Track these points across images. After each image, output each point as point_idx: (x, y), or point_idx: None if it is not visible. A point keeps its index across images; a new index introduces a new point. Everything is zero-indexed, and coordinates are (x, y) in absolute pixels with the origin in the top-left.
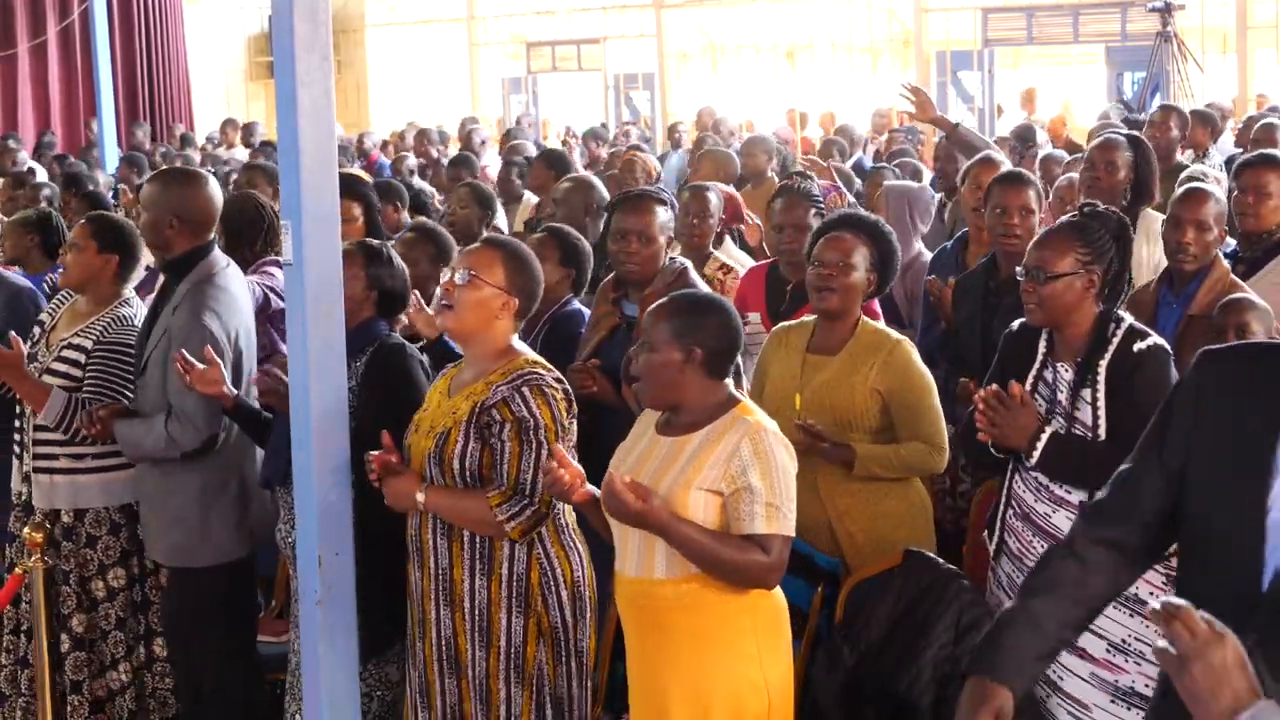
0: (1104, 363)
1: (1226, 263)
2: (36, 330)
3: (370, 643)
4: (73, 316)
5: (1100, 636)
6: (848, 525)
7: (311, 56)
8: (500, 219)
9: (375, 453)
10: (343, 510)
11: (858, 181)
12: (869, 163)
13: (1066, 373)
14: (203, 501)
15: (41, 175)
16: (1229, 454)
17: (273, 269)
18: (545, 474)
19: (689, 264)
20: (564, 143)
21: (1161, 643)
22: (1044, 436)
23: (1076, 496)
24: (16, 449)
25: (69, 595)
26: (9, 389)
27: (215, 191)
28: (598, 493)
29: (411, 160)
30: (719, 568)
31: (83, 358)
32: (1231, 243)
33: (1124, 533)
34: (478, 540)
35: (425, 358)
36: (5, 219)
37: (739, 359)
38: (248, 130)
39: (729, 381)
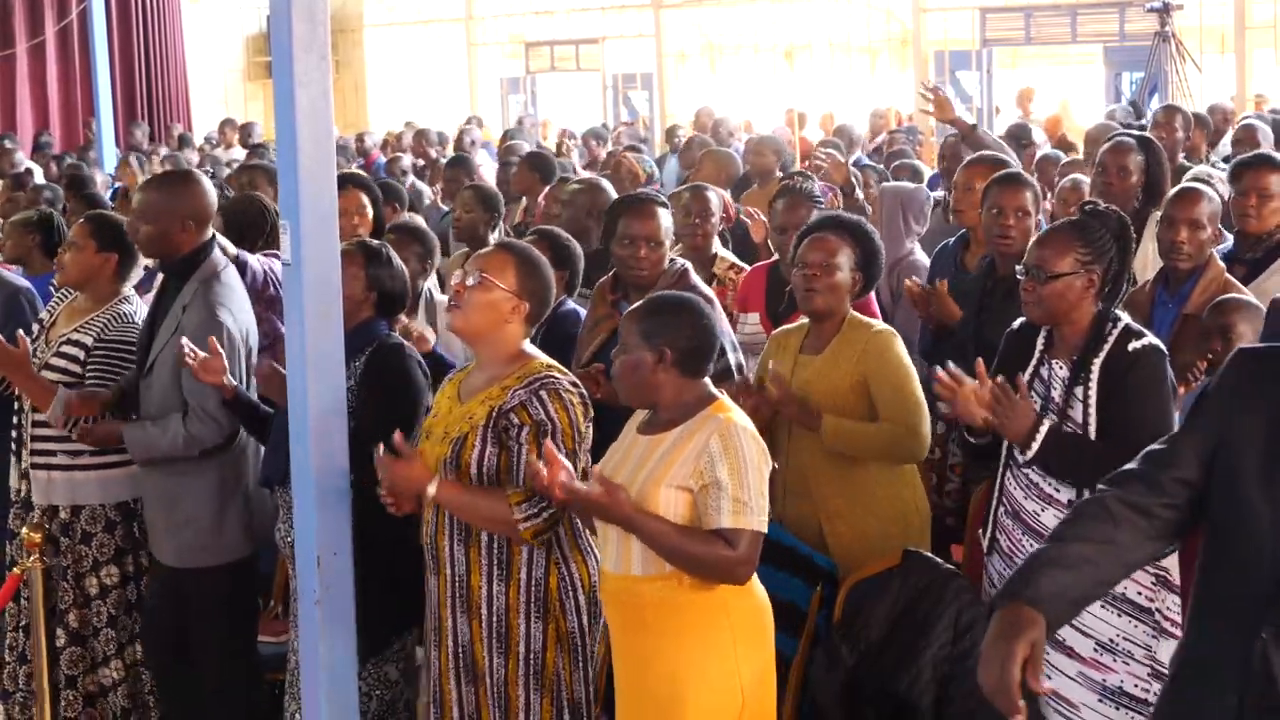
0: (1098, 361)
1: (1221, 262)
2: (36, 327)
3: (369, 642)
4: (71, 314)
5: (1088, 635)
6: (837, 526)
7: (310, 56)
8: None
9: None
10: (341, 510)
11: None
12: (867, 163)
13: (1062, 370)
14: (219, 499)
15: (39, 175)
16: (1258, 449)
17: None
18: (528, 468)
19: (689, 265)
20: (559, 144)
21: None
22: (1042, 430)
23: (1065, 495)
24: (15, 445)
25: (65, 591)
26: (8, 386)
27: (211, 186)
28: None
29: (406, 160)
30: (685, 561)
31: (81, 354)
32: (1230, 239)
33: (1155, 504)
34: (496, 546)
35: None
36: (5, 220)
37: (741, 358)
38: (245, 130)
39: (707, 381)
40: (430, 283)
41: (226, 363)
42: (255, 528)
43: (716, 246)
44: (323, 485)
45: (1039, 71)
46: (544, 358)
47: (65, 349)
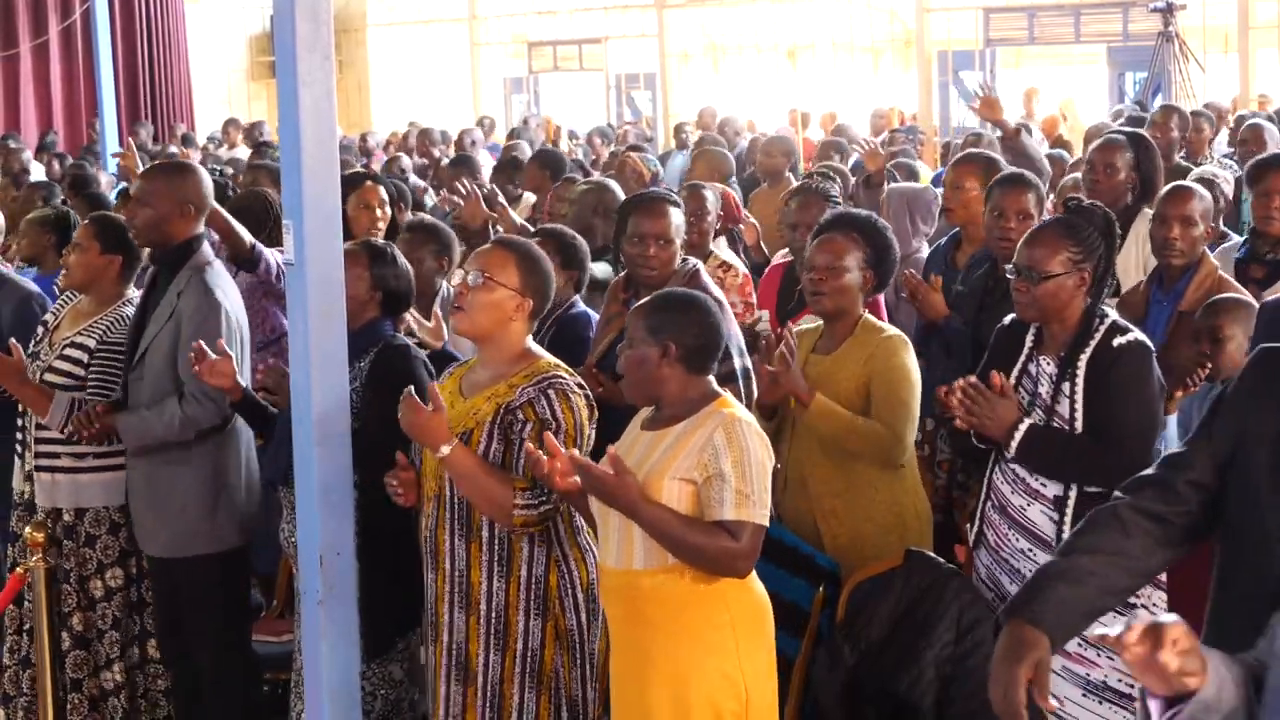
0: (1084, 357)
1: (1214, 260)
2: (40, 330)
3: (373, 642)
4: (75, 316)
5: None
6: (833, 526)
7: (313, 56)
8: None
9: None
10: (344, 510)
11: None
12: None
13: (1049, 366)
14: (213, 486)
15: (38, 173)
16: (1273, 448)
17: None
18: (527, 456)
19: (701, 265)
20: (553, 143)
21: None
22: (1022, 428)
23: (1051, 490)
24: (19, 448)
25: (69, 594)
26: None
27: (209, 178)
28: None
29: (405, 160)
30: (687, 551)
31: (85, 357)
32: (1235, 238)
33: (1169, 510)
34: (496, 541)
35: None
36: (6, 218)
37: (747, 363)
38: (253, 130)
39: (711, 379)
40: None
41: (235, 364)
42: (246, 518)
43: (721, 246)
44: (325, 485)
45: (1042, 71)
46: (549, 356)
47: (69, 352)
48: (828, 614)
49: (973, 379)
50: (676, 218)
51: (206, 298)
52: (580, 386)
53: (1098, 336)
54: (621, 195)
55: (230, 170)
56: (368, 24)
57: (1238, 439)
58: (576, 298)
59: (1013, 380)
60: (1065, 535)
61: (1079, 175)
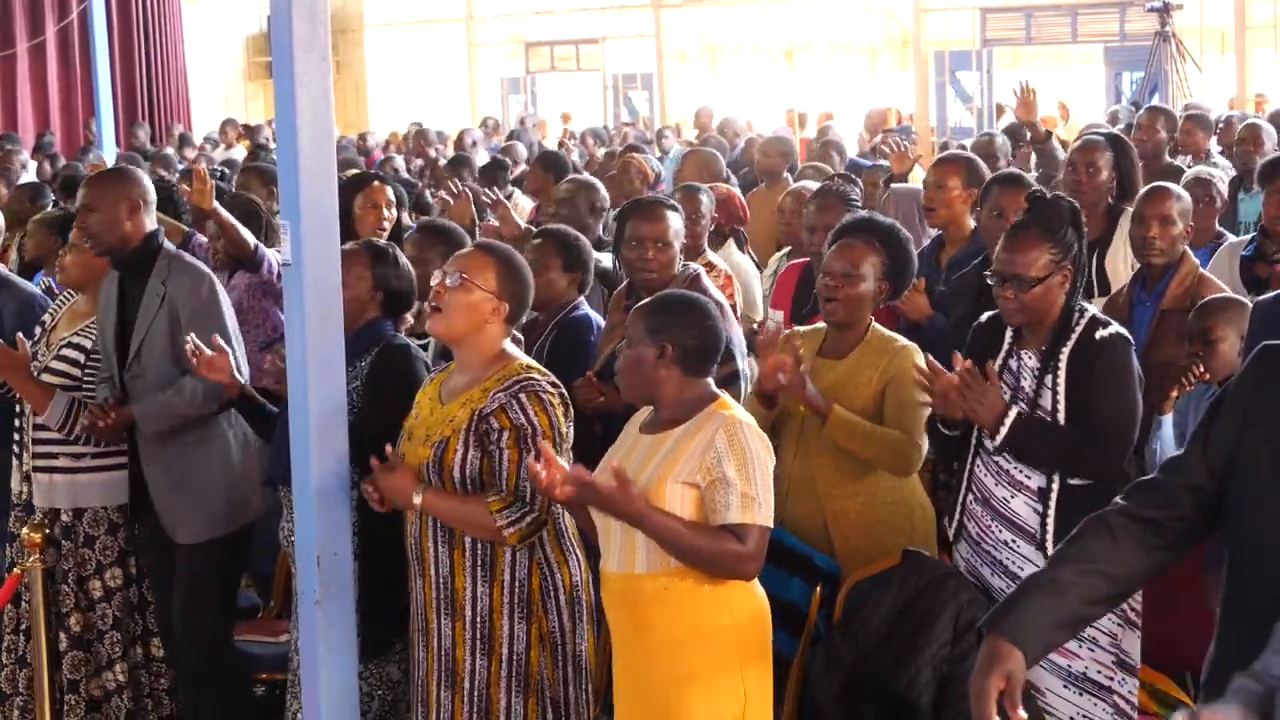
0: (1066, 350)
1: (1196, 259)
2: (38, 330)
3: (371, 643)
4: (73, 317)
5: None
6: (844, 528)
7: (310, 56)
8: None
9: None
10: (341, 510)
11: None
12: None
13: (1031, 360)
14: (230, 461)
15: (31, 173)
16: (1275, 446)
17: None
18: (528, 469)
19: (702, 270)
20: (560, 144)
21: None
22: (1010, 416)
23: (1035, 482)
24: (16, 448)
25: (67, 594)
26: (10, 389)
27: (145, 176)
28: None
29: (398, 161)
30: (694, 556)
31: (82, 357)
32: (1231, 237)
33: (1164, 515)
34: (479, 547)
35: (429, 357)
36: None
37: (744, 364)
38: (256, 132)
39: (710, 381)
40: None
41: (232, 360)
42: (257, 489)
43: (729, 248)
44: (323, 485)
45: (1039, 71)
46: (524, 358)
47: (65, 352)
48: (825, 614)
49: (969, 364)
50: (675, 221)
51: (195, 271)
52: (554, 386)
53: (1079, 330)
54: (605, 193)
55: (225, 171)
56: (365, 24)
57: (1238, 440)
58: (581, 299)
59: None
60: (1049, 527)
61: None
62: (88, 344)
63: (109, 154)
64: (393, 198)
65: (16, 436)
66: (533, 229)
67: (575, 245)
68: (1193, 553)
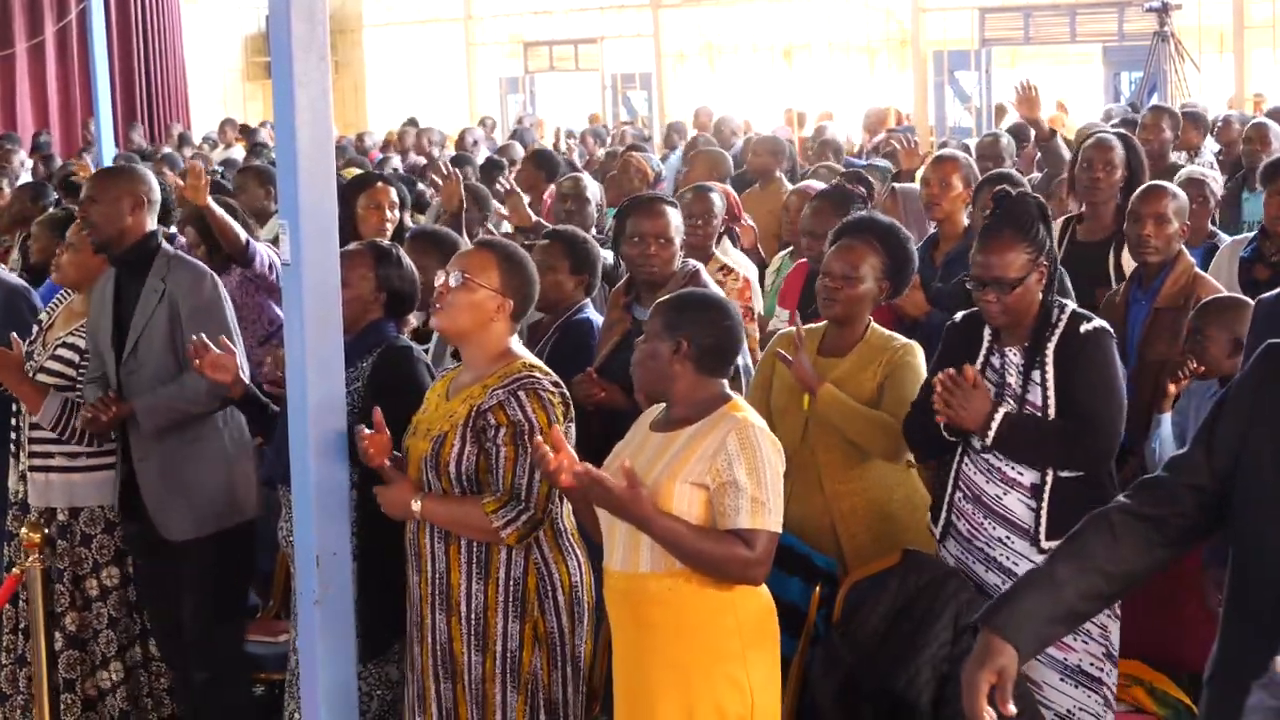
0: (1051, 345)
1: (1191, 258)
2: (35, 329)
3: (370, 643)
4: (69, 316)
5: None
6: (851, 527)
7: (309, 56)
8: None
9: (366, 433)
10: (340, 510)
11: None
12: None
13: (1015, 357)
14: (227, 458)
15: (26, 174)
16: (1277, 445)
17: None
18: (534, 451)
19: (701, 266)
20: (555, 145)
21: None
22: (998, 417)
23: (1028, 478)
24: (13, 448)
25: (63, 593)
26: (5, 389)
27: (152, 176)
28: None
29: (395, 161)
30: (700, 560)
31: (77, 357)
32: (1225, 237)
33: (1166, 513)
34: (475, 544)
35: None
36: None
37: (748, 361)
38: (254, 132)
39: (724, 382)
40: None
41: (237, 359)
42: (255, 489)
43: (726, 247)
44: (322, 486)
45: (1038, 71)
46: (528, 357)
47: (61, 352)
48: (824, 614)
49: (950, 371)
50: (675, 218)
51: (196, 269)
52: (555, 385)
53: (1062, 325)
54: (593, 187)
55: (223, 170)
56: (364, 24)
57: (1241, 440)
58: (586, 301)
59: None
60: (1043, 522)
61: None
62: (83, 343)
63: (108, 154)
64: (396, 199)
65: (13, 436)
66: (543, 222)
67: (584, 247)
68: (1193, 551)
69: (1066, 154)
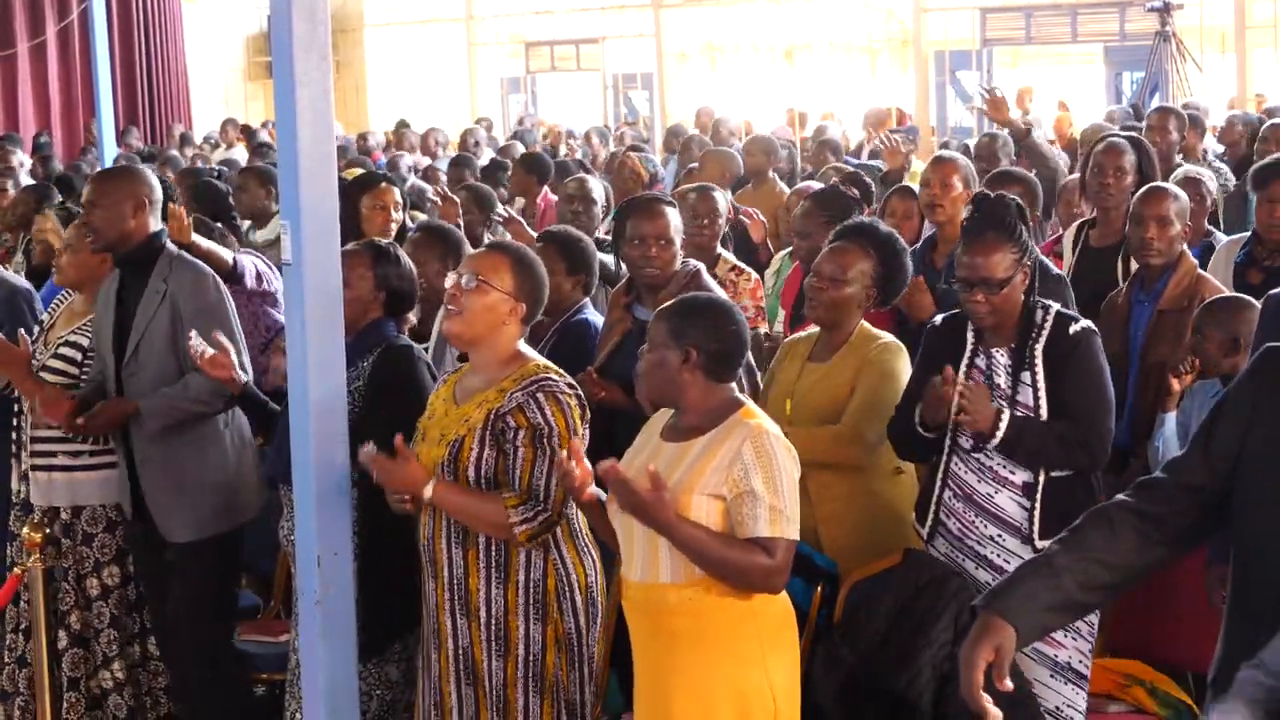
0: (1040, 346)
1: (1194, 258)
2: (36, 329)
3: (370, 643)
4: (70, 316)
5: None
6: (833, 530)
7: (310, 56)
8: None
9: (372, 452)
10: (341, 510)
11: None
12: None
13: (1002, 358)
14: (228, 459)
15: (25, 174)
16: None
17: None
18: (558, 467)
19: (702, 266)
20: (553, 146)
21: None
22: (1005, 417)
23: (1020, 477)
24: (14, 447)
25: (67, 592)
26: (9, 387)
27: (153, 177)
28: (603, 496)
29: (408, 160)
30: (722, 569)
31: (79, 356)
32: (1224, 238)
33: (1165, 511)
34: (493, 547)
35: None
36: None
37: (750, 361)
38: (251, 132)
39: (733, 386)
40: None
41: (234, 357)
42: (257, 488)
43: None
44: (323, 485)
45: (1039, 71)
46: (540, 359)
47: (63, 350)
48: (825, 613)
49: (959, 376)
50: (675, 218)
51: (198, 270)
52: (571, 387)
53: (1048, 326)
54: (599, 188)
55: (224, 170)
56: (365, 24)
57: (1241, 441)
58: (585, 301)
59: (960, 376)
60: (1035, 520)
61: (1073, 177)
62: (85, 342)
63: (109, 154)
64: (400, 199)
65: (15, 435)
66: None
67: (579, 247)
68: (1194, 550)
69: (1048, 151)
